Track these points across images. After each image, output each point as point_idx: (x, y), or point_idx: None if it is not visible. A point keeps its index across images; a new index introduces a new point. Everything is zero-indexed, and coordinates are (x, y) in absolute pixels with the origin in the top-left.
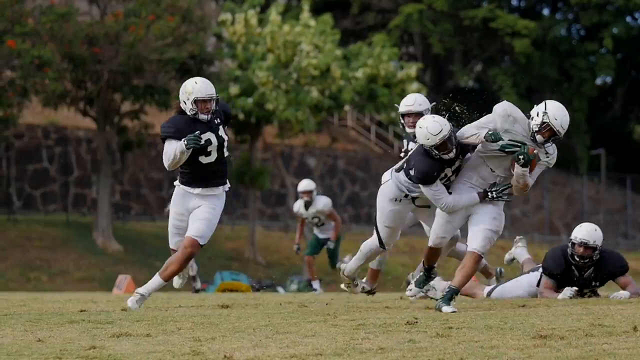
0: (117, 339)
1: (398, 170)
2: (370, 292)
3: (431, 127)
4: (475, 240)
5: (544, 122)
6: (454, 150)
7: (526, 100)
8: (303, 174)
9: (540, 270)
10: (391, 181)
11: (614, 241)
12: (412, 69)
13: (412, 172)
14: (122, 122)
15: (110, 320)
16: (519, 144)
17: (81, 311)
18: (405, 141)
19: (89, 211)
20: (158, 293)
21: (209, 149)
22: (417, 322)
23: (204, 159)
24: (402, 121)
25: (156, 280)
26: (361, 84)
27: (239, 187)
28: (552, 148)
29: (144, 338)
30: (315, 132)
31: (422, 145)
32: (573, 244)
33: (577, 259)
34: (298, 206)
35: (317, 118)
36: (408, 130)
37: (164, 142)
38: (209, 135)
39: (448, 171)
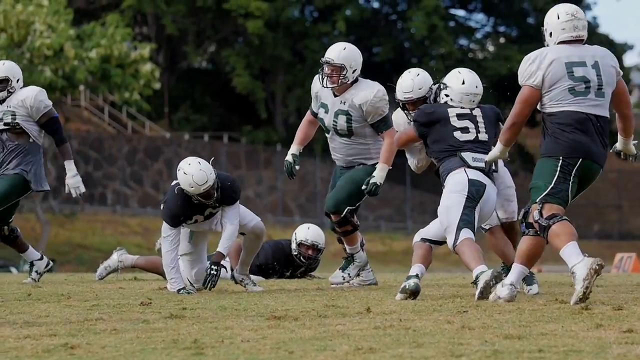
0: None
1: None
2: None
3: (197, 177)
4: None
5: None
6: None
7: (259, 81)
8: None
9: None
10: None
11: None
12: (146, 50)
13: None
14: None
15: None
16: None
17: None
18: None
19: None
20: None
21: None
22: (150, 303)
23: None
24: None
25: None
26: (95, 64)
27: None
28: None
29: None
30: None
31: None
32: (301, 244)
33: (304, 260)
34: None
35: (51, 98)
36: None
37: None
38: None
39: (199, 217)
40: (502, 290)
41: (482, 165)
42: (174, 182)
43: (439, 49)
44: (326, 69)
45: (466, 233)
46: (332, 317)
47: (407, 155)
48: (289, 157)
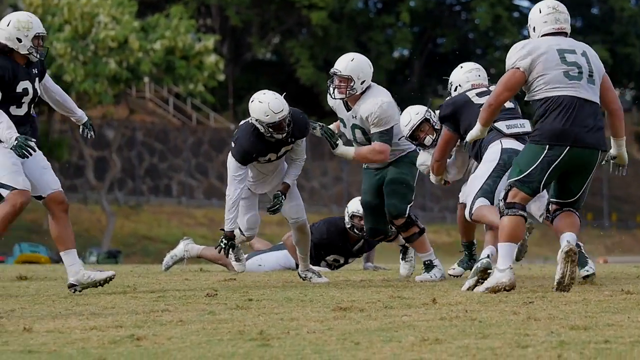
0: None
1: None
2: None
3: (273, 105)
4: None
5: None
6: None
7: (323, 73)
8: (101, 145)
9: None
10: None
11: None
12: (210, 41)
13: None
14: None
15: None
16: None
17: None
18: None
19: None
20: None
21: (22, 99)
22: (216, 294)
23: (13, 110)
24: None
25: None
26: (159, 55)
27: None
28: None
29: None
30: (113, 104)
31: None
32: (354, 216)
33: (357, 232)
34: None
35: (115, 90)
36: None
37: None
38: (26, 84)
39: (273, 156)
40: (502, 276)
41: (519, 130)
42: (242, 122)
43: (503, 40)
44: (335, 80)
45: (481, 202)
46: (398, 308)
47: (447, 169)
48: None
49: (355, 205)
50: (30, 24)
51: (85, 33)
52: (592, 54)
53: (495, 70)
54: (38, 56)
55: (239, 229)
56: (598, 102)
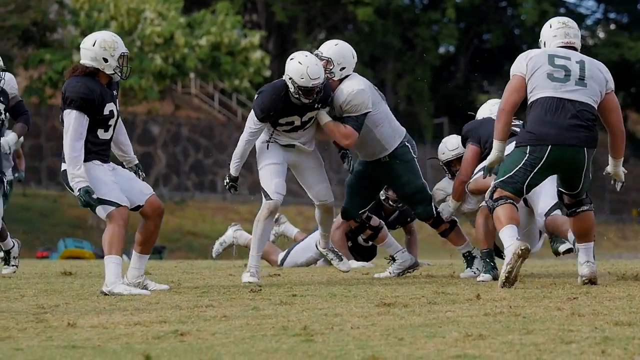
0: None
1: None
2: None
3: (311, 70)
4: None
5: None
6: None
7: (369, 68)
8: (146, 141)
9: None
10: None
11: None
12: (256, 37)
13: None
14: None
15: None
16: None
17: None
18: None
19: None
20: None
21: (109, 122)
22: (260, 290)
23: (101, 134)
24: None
25: None
26: (205, 51)
27: None
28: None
29: None
30: (158, 100)
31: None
32: (387, 188)
33: (392, 204)
34: None
35: (161, 86)
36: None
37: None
38: (111, 106)
39: (296, 120)
40: (515, 244)
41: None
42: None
43: None
44: None
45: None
46: (441, 303)
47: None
48: None
49: None
50: (116, 44)
51: (131, 29)
52: (594, 65)
53: None
54: (122, 76)
55: (266, 193)
56: (589, 102)
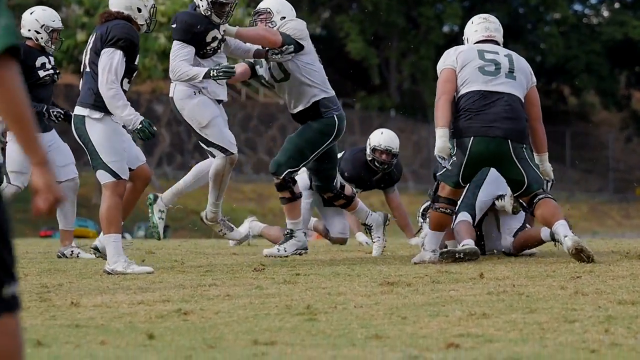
0: None
1: None
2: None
3: None
4: None
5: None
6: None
7: (373, 47)
8: (151, 120)
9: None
10: None
11: None
12: None
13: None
14: None
15: None
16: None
17: None
18: None
19: None
20: None
21: (133, 74)
22: (264, 269)
23: (125, 85)
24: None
25: None
26: None
27: None
28: None
29: None
30: (162, 79)
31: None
32: (375, 149)
33: (378, 165)
34: None
35: (165, 64)
36: None
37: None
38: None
39: (217, 33)
40: (426, 254)
41: None
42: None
43: (553, 15)
44: (256, 17)
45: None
46: (445, 282)
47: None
48: None
49: (376, 139)
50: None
51: None
52: (520, 59)
53: (545, 45)
54: (149, 29)
55: (223, 148)
56: (517, 94)
